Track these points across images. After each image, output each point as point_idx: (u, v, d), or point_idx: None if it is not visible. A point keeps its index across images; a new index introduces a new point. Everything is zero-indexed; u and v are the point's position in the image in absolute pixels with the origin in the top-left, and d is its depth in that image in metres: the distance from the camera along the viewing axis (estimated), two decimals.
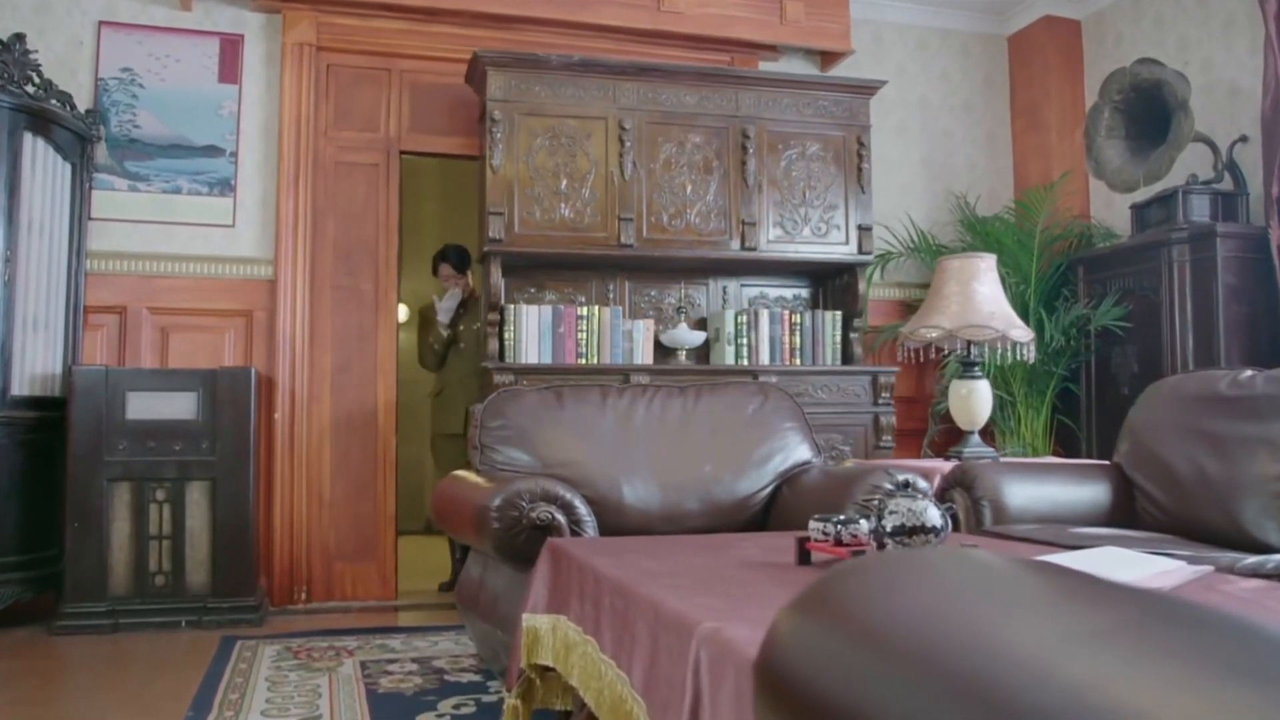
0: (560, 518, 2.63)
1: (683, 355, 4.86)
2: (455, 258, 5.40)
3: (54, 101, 4.33)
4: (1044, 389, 5.06)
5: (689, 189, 4.77)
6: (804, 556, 1.95)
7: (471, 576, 3.22)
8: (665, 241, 4.73)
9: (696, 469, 3.28)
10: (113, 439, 4.12)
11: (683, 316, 4.94)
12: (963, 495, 3.17)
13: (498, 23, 4.98)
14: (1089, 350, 4.99)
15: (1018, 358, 3.78)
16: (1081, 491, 3.18)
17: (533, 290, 4.85)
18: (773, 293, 5.24)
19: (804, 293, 5.29)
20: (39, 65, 4.31)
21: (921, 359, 4.32)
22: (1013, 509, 3.03)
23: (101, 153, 4.59)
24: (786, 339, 4.90)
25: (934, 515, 1.76)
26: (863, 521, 1.92)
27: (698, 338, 4.87)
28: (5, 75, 4.18)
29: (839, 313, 5.00)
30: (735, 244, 4.79)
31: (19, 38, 4.25)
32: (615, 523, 3.02)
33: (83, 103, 4.55)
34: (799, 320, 4.93)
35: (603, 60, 4.72)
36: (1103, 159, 4.44)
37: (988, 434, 5.26)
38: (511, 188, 4.52)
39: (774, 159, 4.89)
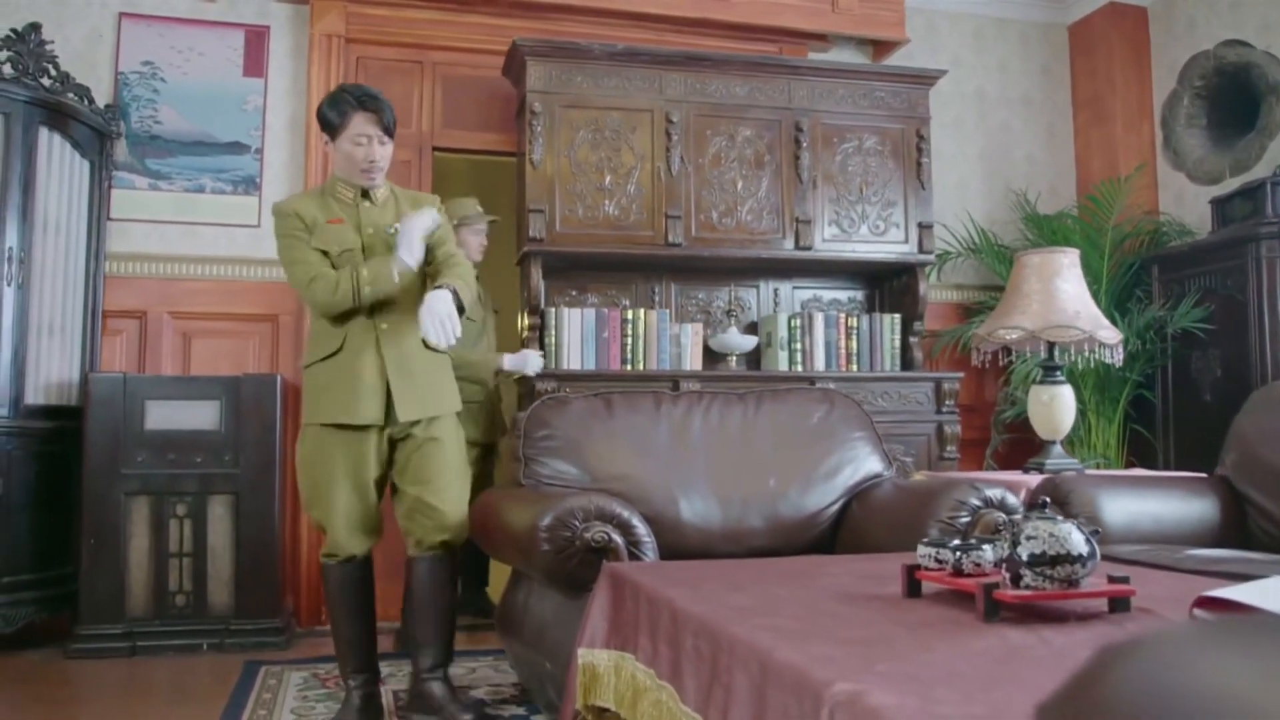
0: (617, 539, 2.36)
1: (733, 361, 4.59)
2: None
3: (71, 95, 4.12)
4: (1117, 396, 4.75)
5: (739, 185, 4.50)
6: (913, 588, 1.67)
7: (514, 599, 2.95)
8: (715, 241, 4.46)
9: (760, 483, 3.00)
10: (131, 450, 3.88)
11: (733, 320, 4.67)
12: (1054, 512, 2.87)
13: (535, 11, 4.74)
14: (1165, 355, 4.67)
15: (1106, 361, 3.47)
16: (1186, 507, 2.88)
17: (574, 293, 4.60)
18: (826, 295, 4.96)
19: (859, 295, 5.01)
20: (55, 57, 4.11)
21: (985, 364, 4.02)
22: (1113, 528, 2.73)
23: (121, 149, 4.37)
24: (843, 343, 4.62)
25: (1079, 541, 1.48)
26: (987, 548, 1.63)
27: (749, 342, 4.60)
28: (20, 67, 3.98)
29: (897, 315, 4.72)
30: (789, 243, 4.52)
31: (34, 28, 4.05)
32: (673, 542, 2.74)
33: (102, 97, 4.34)
34: (855, 324, 4.65)
35: (648, 49, 4.47)
36: (1182, 149, 4.14)
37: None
38: (552, 184, 4.27)
39: (829, 153, 4.61)
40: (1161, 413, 4.71)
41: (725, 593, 1.73)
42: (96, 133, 4.21)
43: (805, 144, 4.56)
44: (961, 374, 4.68)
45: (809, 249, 4.53)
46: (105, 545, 3.83)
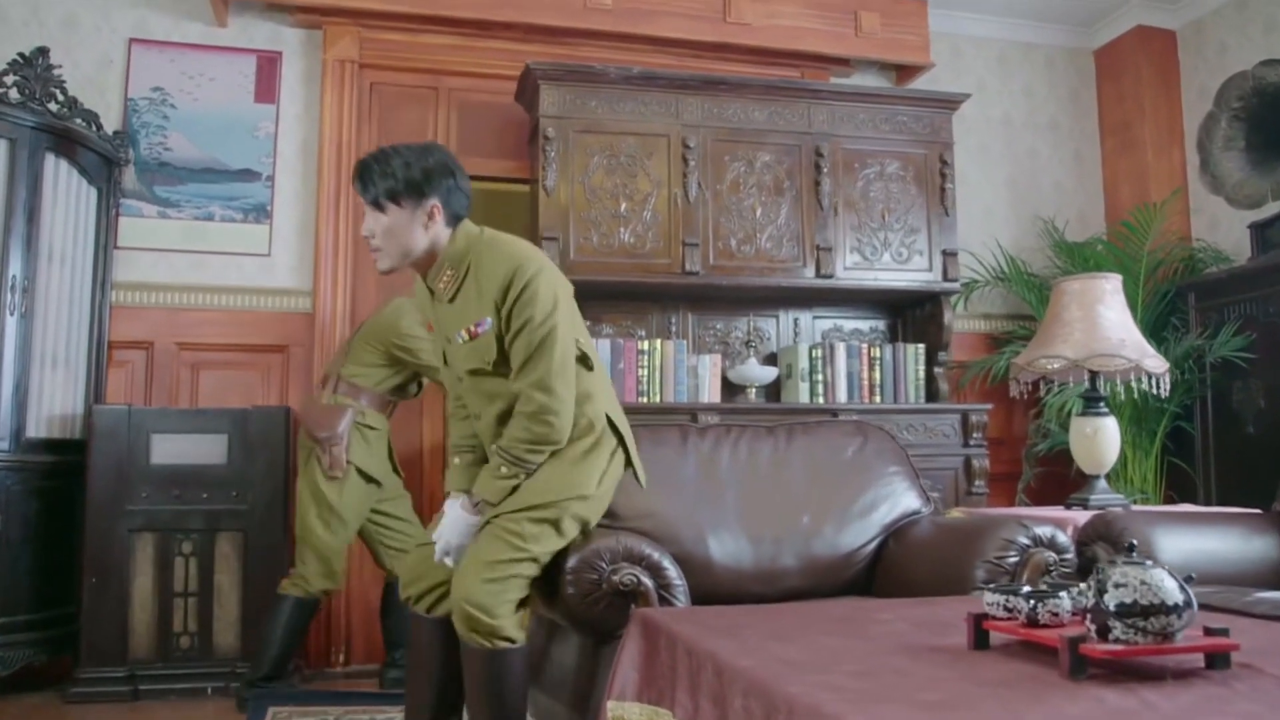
0: (648, 582, 2.21)
1: (752, 393, 4.45)
2: None
3: (79, 121, 4.02)
4: (1154, 428, 4.58)
5: (759, 212, 4.38)
6: (981, 639, 1.52)
7: (533, 644, 2.80)
8: (734, 269, 4.33)
9: (792, 520, 2.84)
10: (135, 485, 3.75)
11: (752, 351, 4.54)
12: (1106, 551, 2.71)
13: (553, 36, 4.65)
14: (1205, 385, 4.51)
15: (1151, 391, 3.32)
16: (1246, 545, 2.72)
17: (589, 323, 4.42)
18: (848, 325, 4.82)
19: (881, 324, 4.87)
20: (63, 82, 4.01)
21: (1023, 395, 3.86)
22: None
23: (129, 177, 4.27)
24: (865, 375, 4.48)
25: (1173, 589, 1.32)
26: (1064, 595, 1.48)
27: (769, 374, 4.46)
28: (26, 91, 3.89)
29: (921, 345, 4.57)
30: (810, 271, 4.39)
31: (42, 52, 3.96)
32: (702, 584, 2.58)
33: (110, 124, 4.24)
34: (878, 354, 4.51)
35: (664, 73, 4.36)
36: (1221, 173, 4.01)
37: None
38: (566, 211, 4.15)
39: (850, 179, 4.50)
40: (1201, 445, 4.54)
41: (771, 643, 1.58)
42: (104, 159, 4.11)
43: (826, 169, 4.44)
44: (990, 405, 4.53)
45: (830, 277, 4.40)
46: (107, 584, 3.69)
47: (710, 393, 4.31)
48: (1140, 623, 1.31)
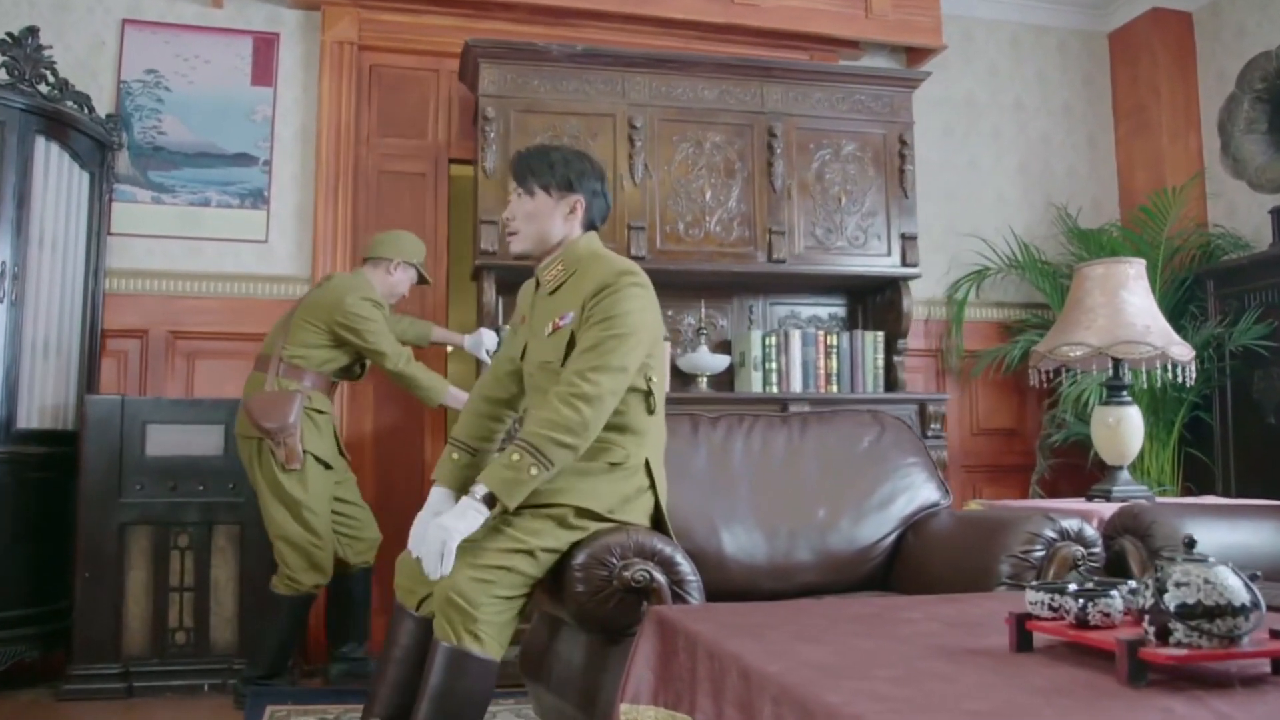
0: (660, 578, 2.11)
1: (703, 382, 4.30)
2: None
3: (70, 103, 3.92)
4: (1172, 418, 4.48)
5: (708, 194, 4.23)
6: (1024, 640, 1.42)
7: (537, 639, 2.70)
8: (681, 254, 4.18)
9: (808, 513, 2.75)
10: (129, 478, 3.65)
11: (704, 338, 4.36)
12: (1135, 545, 2.62)
13: (555, 16, 4.54)
14: (1224, 374, 4.40)
15: (1177, 379, 3.22)
16: None
17: None
18: (805, 311, 4.67)
19: (839, 311, 4.71)
20: (54, 63, 3.91)
21: (1043, 384, 3.76)
22: None
23: (123, 161, 4.17)
24: (821, 363, 4.33)
25: (1238, 588, 1.22)
26: (1115, 594, 1.38)
27: (720, 362, 4.31)
28: (15, 73, 3.78)
29: (880, 333, 4.43)
30: (761, 256, 4.23)
31: (31, 31, 3.84)
32: (715, 579, 2.49)
33: (103, 107, 4.14)
34: (835, 342, 4.37)
35: (609, 50, 4.22)
36: (1242, 156, 3.90)
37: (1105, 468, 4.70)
38: (505, 193, 3.97)
39: (804, 160, 4.33)
40: (1220, 435, 4.44)
41: (798, 645, 1.49)
42: (97, 143, 4.00)
43: (779, 150, 4.29)
44: (946, 395, 4.42)
45: (782, 262, 4.23)
46: (101, 579, 3.59)
47: None
48: (1204, 625, 1.20)
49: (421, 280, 3.86)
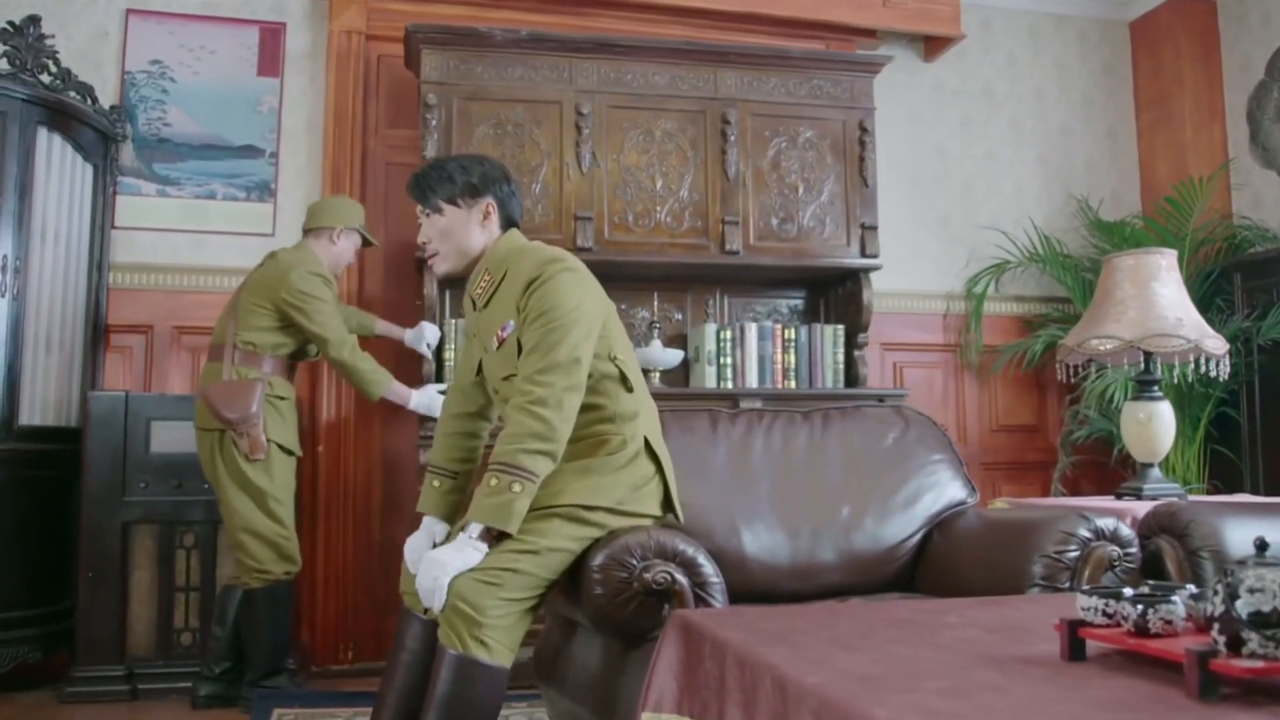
0: (683, 580, 2.02)
1: (656, 377, 4.16)
2: None
3: (73, 94, 3.84)
4: (1198, 414, 4.38)
5: (659, 183, 4.10)
6: (1077, 649, 1.33)
7: (550, 641, 2.62)
8: (631, 245, 4.05)
9: (831, 512, 2.66)
10: (133, 475, 3.57)
11: (657, 333, 4.22)
12: (1172, 545, 2.52)
13: (569, 7, 4.46)
14: (1252, 369, 4.30)
15: (1210, 373, 3.12)
16: None
17: None
18: (762, 304, 4.54)
19: (798, 304, 4.59)
20: (56, 52, 3.83)
21: (1071, 378, 3.66)
22: None
23: (127, 153, 4.09)
24: (779, 357, 4.22)
25: None
26: (1177, 600, 1.29)
27: (674, 357, 4.18)
28: (17, 62, 3.71)
29: (840, 327, 4.31)
30: (714, 247, 4.11)
31: (33, 20, 3.77)
32: (735, 580, 2.39)
33: (107, 98, 4.06)
34: (793, 335, 4.25)
35: (555, 35, 4.09)
36: (1273, 145, 3.81)
37: (1129, 466, 4.60)
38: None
39: (760, 147, 4.20)
40: (1248, 432, 4.33)
41: (835, 652, 1.40)
42: (100, 135, 3.93)
43: (733, 137, 4.16)
44: (907, 391, 4.30)
45: (736, 254, 4.11)
46: (105, 579, 3.52)
47: None
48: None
49: (366, 243, 3.73)
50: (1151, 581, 1.46)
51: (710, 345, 4.16)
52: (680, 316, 4.41)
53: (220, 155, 4.19)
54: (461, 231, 2.34)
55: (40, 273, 3.65)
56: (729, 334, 4.18)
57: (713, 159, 4.14)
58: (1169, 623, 1.27)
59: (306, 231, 3.62)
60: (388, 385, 3.50)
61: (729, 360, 4.16)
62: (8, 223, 3.50)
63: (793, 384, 4.21)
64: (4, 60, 3.70)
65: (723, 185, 4.14)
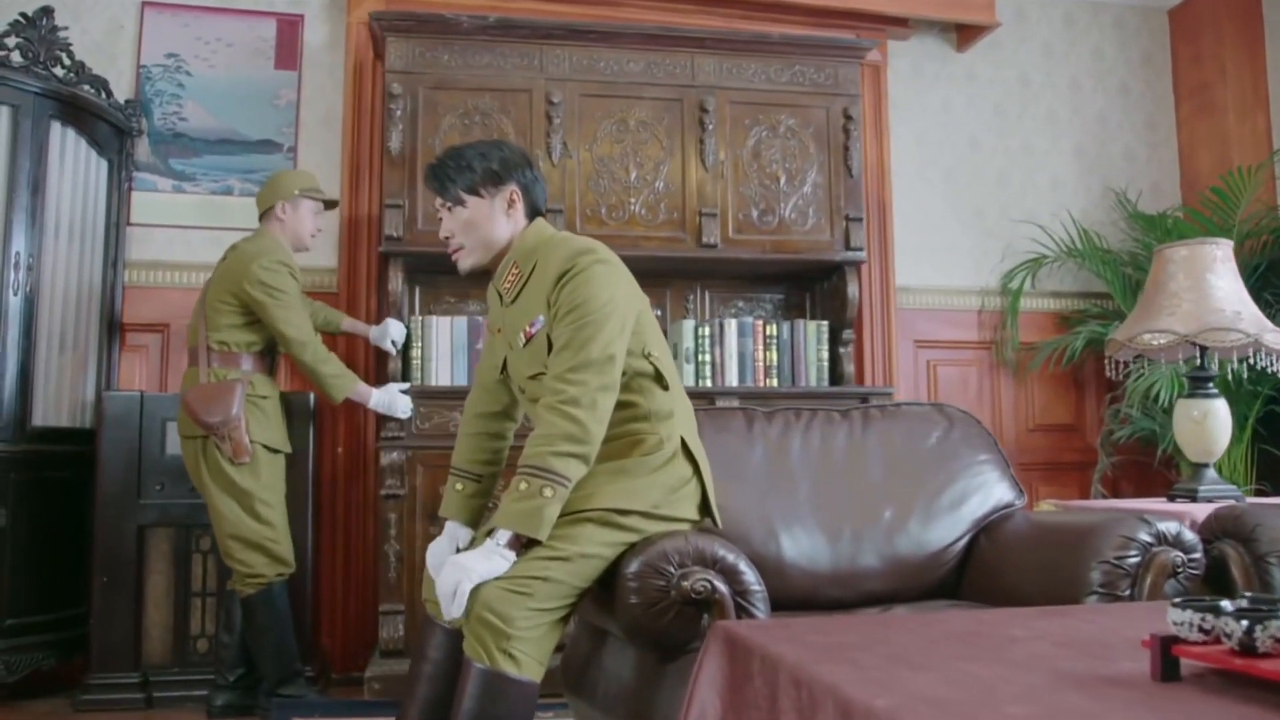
0: (723, 588, 1.90)
1: None
2: None
3: (87, 87, 3.76)
4: (1245, 412, 4.22)
5: (633, 174, 3.96)
6: (1170, 668, 1.20)
7: (579, 650, 2.51)
8: (604, 238, 3.87)
9: (873, 515, 2.53)
10: (149, 478, 3.49)
11: None
12: (1237, 550, 2.38)
13: None
14: None
15: (1268, 370, 2.98)
16: None
17: (451, 299, 4.12)
18: (743, 300, 4.40)
19: (781, 299, 4.44)
20: (69, 45, 3.75)
21: (1120, 374, 3.52)
22: None
23: (143, 148, 4.01)
24: (760, 355, 4.07)
25: None
26: None
27: None
28: (30, 55, 3.63)
29: (824, 323, 4.17)
30: (690, 240, 3.97)
31: (46, 12, 3.69)
32: (774, 586, 2.27)
33: (122, 92, 3.98)
34: (775, 332, 4.10)
35: (525, 21, 3.94)
36: None
37: (1173, 467, 4.46)
38: (414, 176, 3.70)
39: (739, 136, 4.05)
40: None
41: (900, 671, 1.27)
42: (116, 129, 3.85)
43: (711, 126, 4.01)
44: (892, 388, 4.17)
45: (714, 247, 3.96)
46: (119, 583, 3.43)
47: None
48: None
49: (329, 205, 3.59)
50: (1249, 594, 1.33)
51: (689, 342, 4.04)
52: (658, 313, 4.26)
53: (237, 150, 4.10)
54: (486, 222, 2.23)
55: (54, 270, 3.57)
56: (708, 330, 4.05)
57: (690, 149, 4.01)
58: (1278, 640, 1.14)
59: (260, 219, 3.50)
60: (352, 387, 3.41)
61: (708, 358, 4.03)
62: (21, 219, 3.42)
63: (774, 382, 4.07)
64: (16, 53, 3.62)
65: (700, 176, 4.00)
